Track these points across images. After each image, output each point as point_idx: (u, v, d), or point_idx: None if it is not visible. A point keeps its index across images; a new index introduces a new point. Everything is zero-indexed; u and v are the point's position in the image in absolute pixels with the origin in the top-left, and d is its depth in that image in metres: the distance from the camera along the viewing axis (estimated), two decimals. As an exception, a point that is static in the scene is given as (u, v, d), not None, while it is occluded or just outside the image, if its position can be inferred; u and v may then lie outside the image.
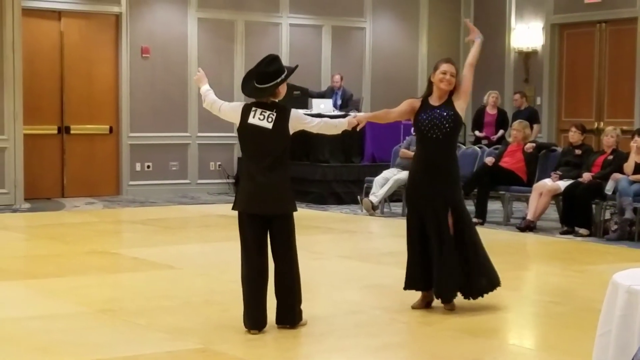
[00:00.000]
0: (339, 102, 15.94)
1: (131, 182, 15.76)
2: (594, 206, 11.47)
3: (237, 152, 16.33)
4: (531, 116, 14.66)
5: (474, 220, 12.22)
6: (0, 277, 8.36)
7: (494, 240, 11.22)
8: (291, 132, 6.38)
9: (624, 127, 13.44)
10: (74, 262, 9.29)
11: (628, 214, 10.97)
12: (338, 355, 5.98)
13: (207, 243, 10.86)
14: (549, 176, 12.02)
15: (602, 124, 15.66)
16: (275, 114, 6.33)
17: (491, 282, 7.07)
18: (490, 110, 15.36)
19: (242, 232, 6.38)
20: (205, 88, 6.69)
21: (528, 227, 11.76)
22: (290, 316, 6.39)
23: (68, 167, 15.32)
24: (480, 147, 13.82)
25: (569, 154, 12.23)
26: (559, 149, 12.86)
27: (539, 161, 12.56)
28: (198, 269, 8.99)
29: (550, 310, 7.39)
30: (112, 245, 10.62)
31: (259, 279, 6.30)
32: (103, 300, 7.39)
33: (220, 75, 16.19)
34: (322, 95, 16.06)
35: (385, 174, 13.64)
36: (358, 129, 6.87)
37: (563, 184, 11.70)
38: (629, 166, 11.25)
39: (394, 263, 9.18)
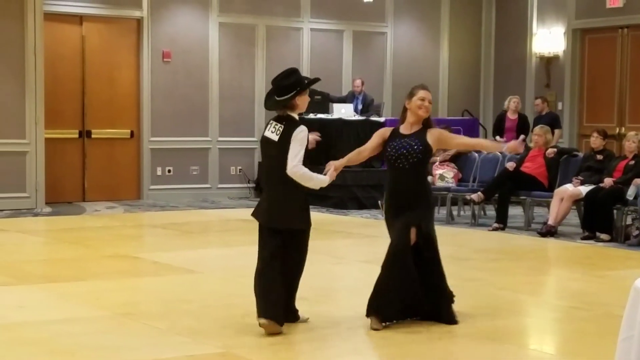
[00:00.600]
0: (360, 106, 15.94)
1: (152, 187, 15.80)
2: (615, 211, 11.41)
3: (257, 157, 16.34)
4: (552, 121, 14.60)
5: (495, 225, 12.26)
6: (22, 281, 8.40)
7: (515, 245, 11.20)
8: None
9: (646, 133, 13.36)
10: (95, 266, 9.31)
11: (649, 220, 10.92)
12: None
13: (228, 247, 10.87)
14: (570, 181, 11.98)
15: (623, 129, 15.58)
16: (283, 127, 6.37)
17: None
18: (511, 116, 15.31)
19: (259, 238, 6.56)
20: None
21: (549, 232, 11.71)
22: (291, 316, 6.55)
23: (89, 171, 15.37)
24: (501, 152, 13.77)
25: (590, 159, 12.18)
26: (581, 154, 12.81)
27: (560, 166, 12.51)
28: (218, 273, 9.00)
29: (571, 315, 7.35)
30: (132, 249, 10.64)
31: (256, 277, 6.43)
32: (124, 303, 7.40)
33: (241, 79, 16.24)
34: (343, 100, 16.06)
35: (406, 178, 13.59)
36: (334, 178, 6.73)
37: (584, 189, 11.65)
38: (650, 171, 11.20)
39: (414, 268, 9.15)
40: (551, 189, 12.20)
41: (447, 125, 14.19)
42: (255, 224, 6.58)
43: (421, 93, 6.88)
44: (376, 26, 17.57)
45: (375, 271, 6.76)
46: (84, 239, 11.23)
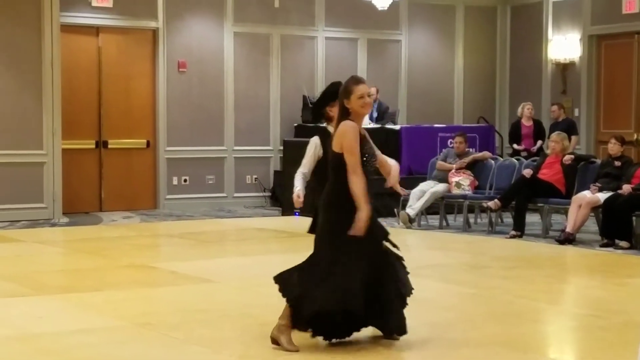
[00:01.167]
0: (375, 115, 15.92)
1: (168, 196, 15.82)
2: (634, 218, 11.33)
3: (273, 166, 16.36)
4: (569, 127, 14.56)
5: (512, 232, 12.21)
6: (39, 292, 8.42)
7: (533, 253, 11.15)
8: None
9: (664, 138, 13.33)
10: (112, 276, 9.32)
11: (669, 226, 10.86)
12: (376, 369, 5.94)
13: (244, 256, 10.86)
14: (588, 188, 11.92)
15: (641, 134, 15.55)
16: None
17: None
18: (526, 122, 15.28)
19: None
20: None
21: (567, 239, 11.65)
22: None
23: (106, 182, 15.41)
24: (518, 159, 13.74)
25: (608, 166, 12.12)
26: (598, 161, 12.75)
27: (578, 173, 12.46)
28: (235, 282, 8.98)
29: (591, 323, 7.30)
30: (149, 259, 10.65)
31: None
32: (141, 314, 7.41)
33: (256, 88, 16.26)
34: (358, 109, 16.02)
35: (422, 186, 13.59)
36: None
37: (602, 196, 11.60)
38: (669, 178, 11.14)
39: (432, 276, 9.14)
40: (569, 196, 12.15)
41: (463, 132, 14.20)
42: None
43: (362, 88, 6.25)
44: (391, 34, 17.56)
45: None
46: (101, 249, 11.25)
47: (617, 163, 12.03)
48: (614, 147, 12.14)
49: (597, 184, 11.84)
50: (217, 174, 16.22)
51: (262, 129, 16.38)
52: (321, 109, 6.46)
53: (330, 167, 6.33)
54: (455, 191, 13.33)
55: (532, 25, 17.57)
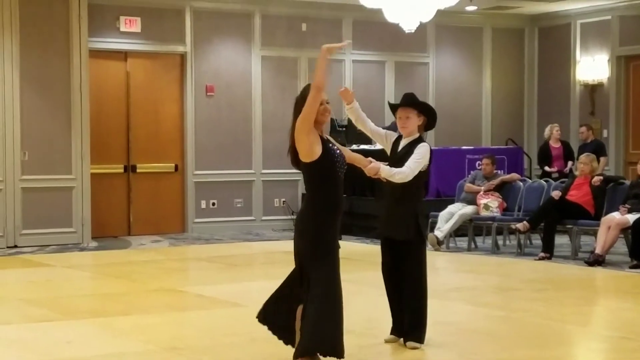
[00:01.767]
0: (403, 137, 15.89)
1: (196, 220, 15.86)
2: (664, 239, 11.26)
3: (301, 189, 16.36)
4: (598, 149, 14.50)
5: (541, 254, 12.14)
6: (68, 316, 8.44)
7: (562, 274, 11.08)
8: None
9: (693, 159, 13.21)
10: (141, 300, 9.35)
11: (700, 248, 10.76)
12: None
13: (272, 280, 10.75)
14: (617, 209, 11.85)
15: (670, 156, 15.44)
16: None
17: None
18: (554, 144, 15.23)
19: None
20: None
21: (597, 261, 11.57)
22: None
23: (134, 206, 15.48)
24: (546, 181, 13.68)
25: (637, 187, 12.04)
26: (627, 182, 12.67)
27: (607, 194, 12.38)
28: (263, 306, 8.95)
29: (622, 346, 7.24)
30: (178, 282, 10.67)
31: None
32: (169, 338, 7.41)
33: (284, 112, 16.27)
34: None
35: (451, 208, 13.57)
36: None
37: (632, 217, 11.52)
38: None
39: (461, 299, 9.10)
40: (597, 217, 12.08)
41: (491, 154, 14.16)
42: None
43: (321, 96, 6.21)
44: (418, 56, 17.58)
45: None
46: (130, 273, 11.28)
47: (647, 184, 11.96)
48: (643, 168, 12.08)
49: (627, 205, 11.77)
50: (245, 197, 16.26)
51: (289, 152, 16.38)
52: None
53: (305, 182, 6.23)
54: (484, 213, 13.29)
55: (560, 46, 17.54)
